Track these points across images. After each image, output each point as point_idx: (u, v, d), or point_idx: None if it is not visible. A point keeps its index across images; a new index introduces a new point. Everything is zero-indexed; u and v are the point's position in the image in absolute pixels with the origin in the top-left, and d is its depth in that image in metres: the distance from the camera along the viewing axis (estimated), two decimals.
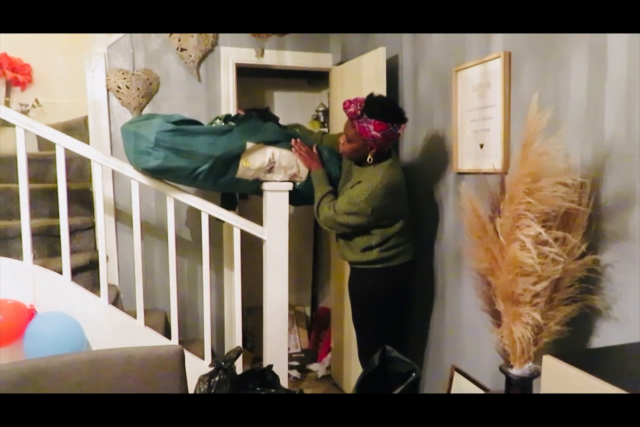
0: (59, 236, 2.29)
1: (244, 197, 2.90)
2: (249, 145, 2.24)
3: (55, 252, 2.45)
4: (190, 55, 2.98)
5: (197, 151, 2.14)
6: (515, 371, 1.49)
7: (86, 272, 2.59)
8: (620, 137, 1.43)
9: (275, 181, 2.36)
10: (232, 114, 2.53)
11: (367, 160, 2.13)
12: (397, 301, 2.30)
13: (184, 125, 2.18)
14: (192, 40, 2.96)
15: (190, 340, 2.91)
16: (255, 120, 2.37)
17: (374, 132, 2.01)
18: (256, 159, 2.27)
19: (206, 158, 2.15)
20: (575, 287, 1.46)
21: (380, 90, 2.55)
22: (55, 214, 2.39)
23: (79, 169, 2.99)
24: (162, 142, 2.09)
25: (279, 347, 2.46)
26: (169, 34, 2.96)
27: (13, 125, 2.20)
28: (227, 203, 2.64)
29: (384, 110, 2.04)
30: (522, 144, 1.43)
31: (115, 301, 2.68)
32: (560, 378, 1.04)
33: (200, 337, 2.66)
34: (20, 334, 2.12)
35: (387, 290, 2.23)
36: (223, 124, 2.34)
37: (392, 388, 1.70)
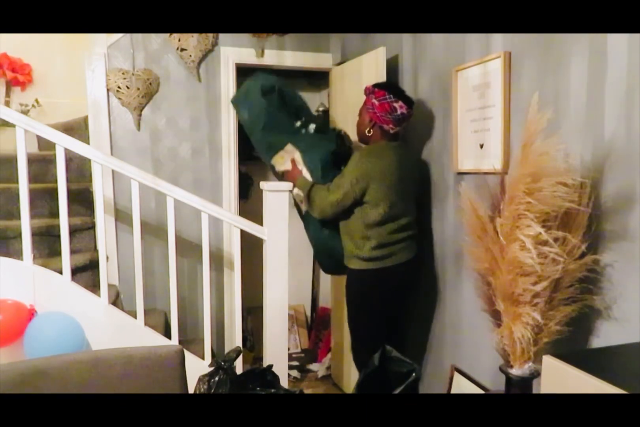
0: (59, 236, 2.28)
1: (244, 197, 2.91)
2: (289, 148, 2.37)
3: (55, 252, 2.45)
4: (190, 55, 2.98)
5: (261, 124, 2.41)
6: (515, 371, 1.49)
7: (86, 272, 2.59)
8: (620, 137, 1.43)
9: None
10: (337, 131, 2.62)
11: (367, 132, 2.26)
12: (393, 304, 2.28)
13: (277, 108, 2.42)
14: (192, 40, 2.96)
15: (190, 340, 2.91)
16: (328, 141, 2.43)
17: (373, 100, 2.21)
18: (286, 165, 2.40)
19: (260, 135, 2.44)
20: (575, 287, 1.46)
21: None
22: (55, 214, 2.39)
23: (79, 169, 2.99)
24: (252, 101, 2.44)
25: (279, 347, 2.46)
26: (169, 34, 2.96)
27: (13, 125, 2.20)
28: None
29: (389, 84, 2.33)
30: (522, 144, 1.43)
31: (115, 301, 2.68)
32: (560, 378, 1.04)
33: (200, 337, 2.66)
34: (20, 334, 2.12)
35: (382, 292, 2.22)
36: (312, 126, 2.49)
37: (392, 388, 1.70)
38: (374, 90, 2.23)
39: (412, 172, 2.27)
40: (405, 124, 2.26)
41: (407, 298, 2.38)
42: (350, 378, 2.97)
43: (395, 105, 2.17)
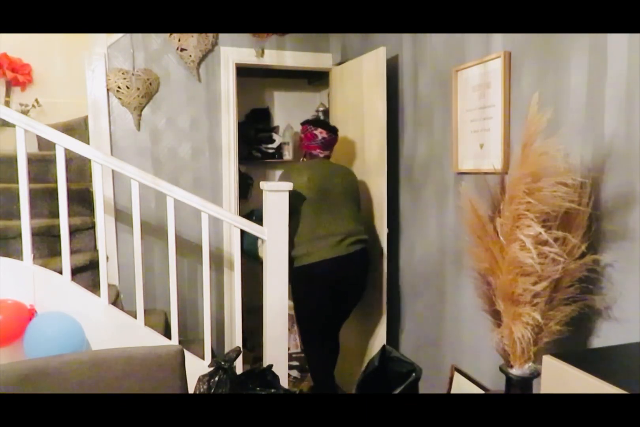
0: (59, 236, 2.28)
1: (244, 196, 2.92)
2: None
3: (55, 252, 2.45)
4: (190, 55, 2.98)
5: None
6: (515, 371, 1.49)
7: (86, 272, 2.58)
8: (620, 137, 1.43)
9: None
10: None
11: (302, 161, 2.72)
12: (324, 299, 2.45)
13: None
14: (192, 40, 2.96)
15: (190, 340, 2.91)
16: None
17: (301, 135, 2.66)
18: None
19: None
20: (575, 287, 1.46)
21: (381, 90, 2.56)
22: (55, 214, 2.39)
23: (79, 169, 2.99)
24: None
25: (279, 347, 2.45)
26: (169, 34, 2.96)
27: (13, 125, 2.20)
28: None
29: (310, 119, 2.84)
30: (522, 144, 1.43)
31: (115, 301, 2.68)
32: (560, 378, 1.04)
33: (200, 337, 2.66)
34: (20, 334, 2.12)
35: (309, 289, 2.44)
36: None
37: (392, 388, 1.70)
38: (301, 128, 2.68)
39: (339, 179, 2.53)
40: (332, 147, 2.65)
41: (340, 294, 2.51)
42: (351, 378, 2.97)
43: (316, 132, 2.58)
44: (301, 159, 2.73)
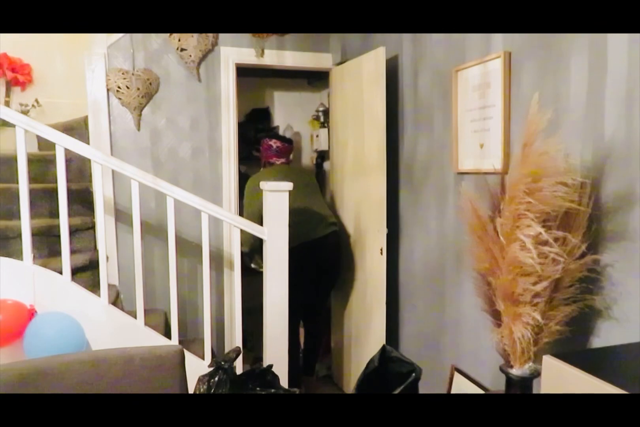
0: (59, 236, 2.28)
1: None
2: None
3: (55, 252, 2.45)
4: (190, 55, 2.98)
5: None
6: (515, 371, 1.49)
7: (86, 272, 2.58)
8: (620, 137, 1.43)
9: None
10: None
11: (261, 169, 3.13)
12: (298, 277, 2.65)
13: None
14: (192, 40, 2.96)
15: (190, 340, 2.91)
16: None
17: (261, 147, 3.11)
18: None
19: None
20: (575, 287, 1.46)
21: (380, 90, 2.56)
22: (55, 214, 2.39)
23: (79, 169, 2.99)
24: None
25: (279, 347, 2.45)
26: (169, 34, 2.96)
27: (13, 125, 2.20)
28: None
29: (269, 133, 3.36)
30: (522, 144, 1.43)
31: (115, 301, 2.68)
32: (560, 378, 1.04)
33: (200, 337, 2.66)
34: (20, 334, 2.12)
35: (297, 267, 2.59)
36: None
37: (392, 388, 1.70)
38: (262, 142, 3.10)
39: (298, 176, 2.87)
40: (288, 155, 3.06)
41: (318, 275, 2.86)
42: (350, 378, 2.97)
43: (270, 142, 3.02)
44: (261, 168, 3.13)
